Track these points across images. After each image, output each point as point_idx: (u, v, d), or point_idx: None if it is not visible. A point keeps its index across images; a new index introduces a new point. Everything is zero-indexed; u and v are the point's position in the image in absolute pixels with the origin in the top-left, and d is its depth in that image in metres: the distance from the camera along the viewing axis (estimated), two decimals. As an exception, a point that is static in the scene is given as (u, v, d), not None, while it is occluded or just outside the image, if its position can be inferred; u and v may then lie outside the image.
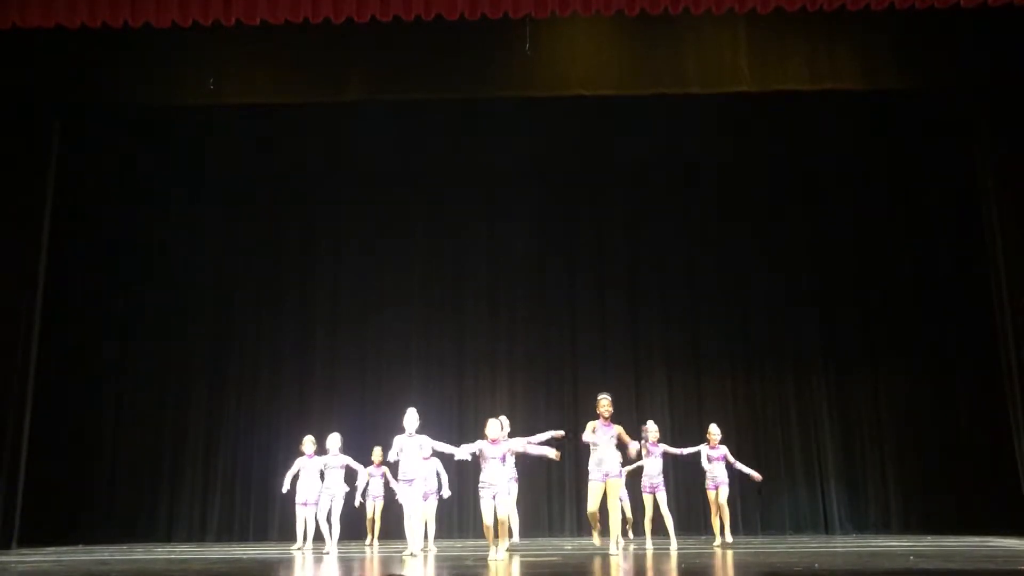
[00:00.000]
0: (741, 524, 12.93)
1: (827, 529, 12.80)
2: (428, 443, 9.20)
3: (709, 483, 10.52)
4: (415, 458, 9.23)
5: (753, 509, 13.02)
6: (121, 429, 13.37)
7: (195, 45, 11.27)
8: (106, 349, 13.56)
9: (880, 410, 13.27)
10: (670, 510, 10.21)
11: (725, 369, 13.57)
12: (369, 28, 10.64)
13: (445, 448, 9.12)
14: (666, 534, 10.06)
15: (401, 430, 9.28)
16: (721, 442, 10.60)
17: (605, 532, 9.06)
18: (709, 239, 13.91)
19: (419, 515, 9.40)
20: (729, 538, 10.39)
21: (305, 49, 11.35)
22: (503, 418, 9.42)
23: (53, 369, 12.50)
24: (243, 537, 12.90)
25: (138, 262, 13.88)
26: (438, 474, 10.21)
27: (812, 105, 12.60)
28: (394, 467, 9.71)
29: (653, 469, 10.20)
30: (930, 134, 13.30)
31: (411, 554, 8.95)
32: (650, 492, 10.19)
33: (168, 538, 12.87)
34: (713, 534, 10.58)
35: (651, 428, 10.41)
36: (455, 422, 13.17)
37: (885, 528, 12.73)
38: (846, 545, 10.25)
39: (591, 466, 8.87)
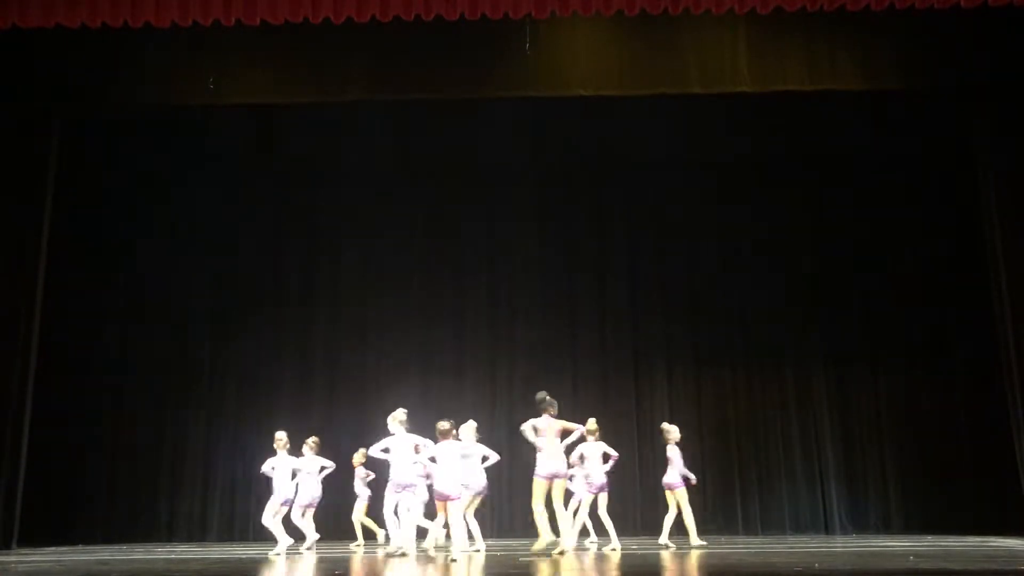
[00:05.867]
0: (741, 524, 12.95)
1: (827, 529, 12.79)
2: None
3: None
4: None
5: (753, 509, 13.02)
6: (121, 429, 13.36)
7: (195, 45, 11.26)
8: (106, 349, 13.56)
9: (880, 410, 13.27)
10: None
11: (725, 368, 13.57)
12: (369, 28, 10.64)
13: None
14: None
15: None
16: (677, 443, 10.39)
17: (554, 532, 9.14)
18: (709, 238, 13.91)
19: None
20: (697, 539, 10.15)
21: (305, 49, 11.35)
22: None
23: (53, 369, 12.49)
24: (243, 537, 12.89)
25: (138, 262, 13.88)
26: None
27: (812, 105, 12.60)
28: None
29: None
30: (930, 134, 13.29)
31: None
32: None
33: (168, 538, 12.87)
34: (661, 532, 10.27)
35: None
36: (454, 420, 13.15)
37: (885, 528, 12.72)
38: (846, 545, 10.25)
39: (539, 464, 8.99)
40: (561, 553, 8.77)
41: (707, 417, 13.42)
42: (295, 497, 10.27)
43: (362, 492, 11.23)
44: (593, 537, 10.34)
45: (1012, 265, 11.34)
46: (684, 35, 11.39)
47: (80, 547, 11.59)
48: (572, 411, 13.29)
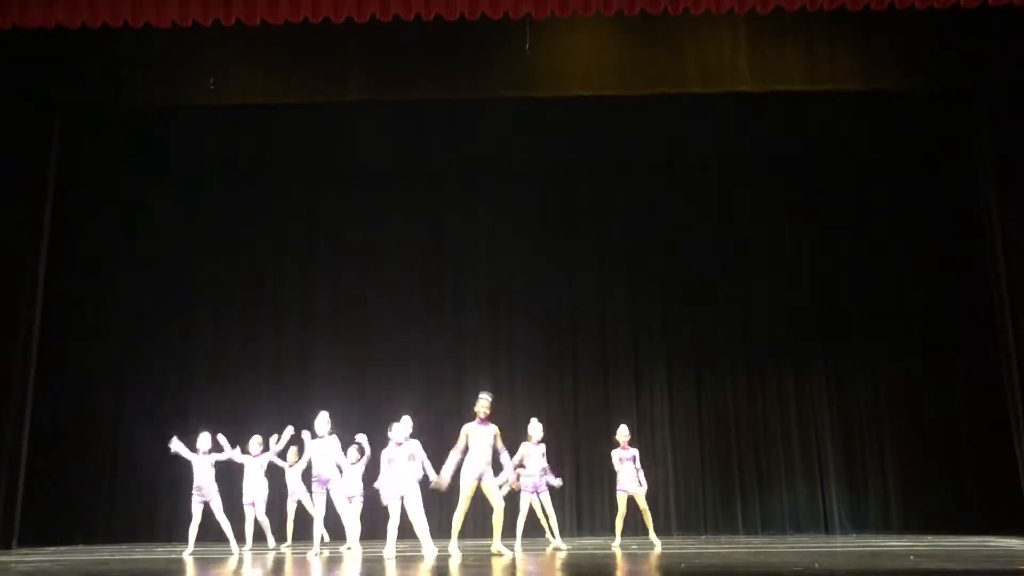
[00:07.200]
0: (741, 524, 12.95)
1: (827, 529, 12.80)
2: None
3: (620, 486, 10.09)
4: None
5: (753, 509, 13.03)
6: (121, 429, 13.36)
7: (195, 45, 11.28)
8: (106, 349, 13.55)
9: (880, 410, 13.27)
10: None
11: (725, 368, 13.57)
12: (369, 28, 10.65)
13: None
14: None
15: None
16: (631, 443, 10.27)
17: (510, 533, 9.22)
18: (709, 238, 13.91)
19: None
20: (656, 540, 10.07)
21: (305, 49, 11.37)
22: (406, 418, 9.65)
23: (53, 369, 12.49)
24: (242, 537, 12.85)
25: (138, 262, 13.88)
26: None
27: (812, 105, 12.62)
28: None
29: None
30: (930, 134, 13.30)
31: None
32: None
33: (168, 538, 12.86)
34: (615, 534, 10.17)
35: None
36: (454, 421, 13.15)
37: (885, 528, 12.74)
38: (846, 545, 10.24)
39: (464, 468, 8.87)
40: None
41: (707, 417, 13.41)
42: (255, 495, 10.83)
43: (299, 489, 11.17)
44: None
45: (1012, 265, 11.34)
46: (684, 35, 11.40)
47: (80, 547, 11.58)
48: (573, 410, 13.40)
